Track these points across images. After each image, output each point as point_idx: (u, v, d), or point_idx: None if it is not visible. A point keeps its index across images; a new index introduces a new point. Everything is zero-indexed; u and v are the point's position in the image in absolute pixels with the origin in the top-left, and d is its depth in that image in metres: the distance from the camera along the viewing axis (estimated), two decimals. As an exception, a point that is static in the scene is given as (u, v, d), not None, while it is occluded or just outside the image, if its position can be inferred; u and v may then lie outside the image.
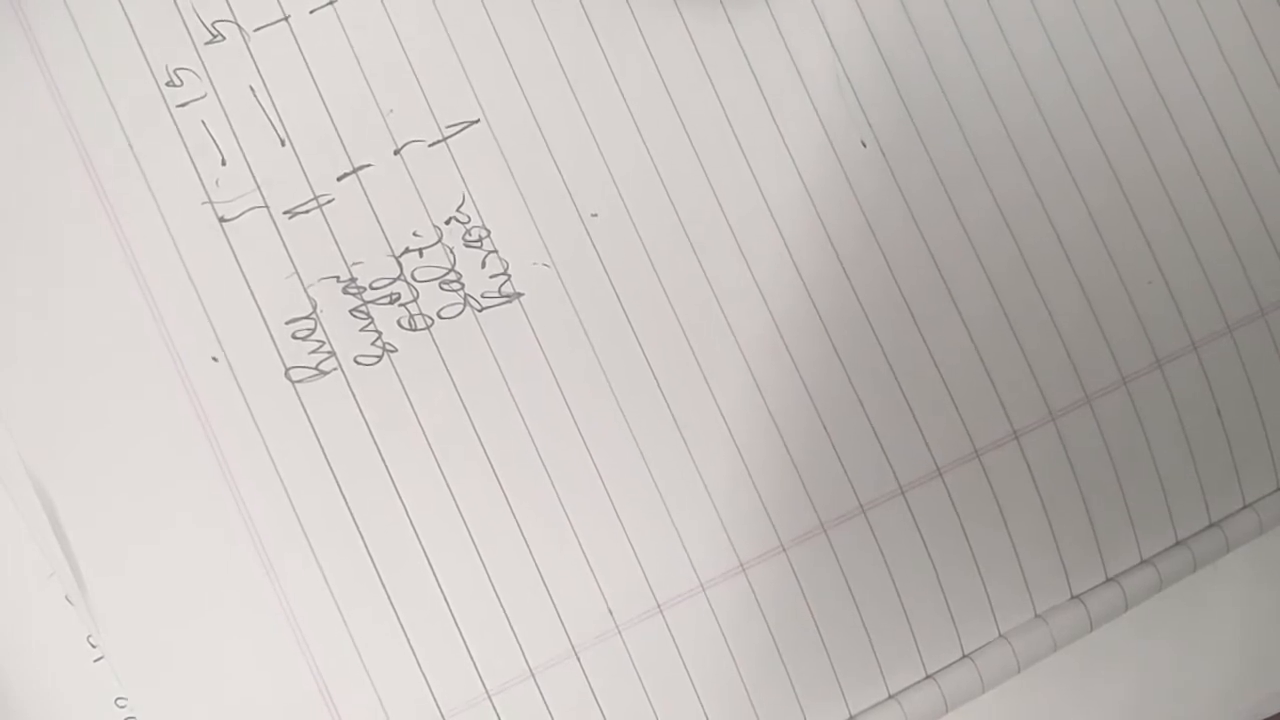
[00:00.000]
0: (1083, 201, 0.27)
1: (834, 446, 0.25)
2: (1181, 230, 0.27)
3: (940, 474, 0.26)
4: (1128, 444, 0.27)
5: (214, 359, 0.23)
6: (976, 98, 0.26)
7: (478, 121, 0.24)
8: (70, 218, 0.22)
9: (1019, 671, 0.26)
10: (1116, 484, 0.27)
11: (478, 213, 0.24)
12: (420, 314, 0.24)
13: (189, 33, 0.23)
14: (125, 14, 0.23)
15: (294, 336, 0.23)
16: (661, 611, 0.24)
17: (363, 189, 0.24)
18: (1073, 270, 0.27)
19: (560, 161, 0.24)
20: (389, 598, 0.23)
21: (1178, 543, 0.27)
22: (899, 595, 0.25)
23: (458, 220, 0.24)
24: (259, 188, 0.23)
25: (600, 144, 0.25)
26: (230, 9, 0.24)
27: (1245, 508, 0.28)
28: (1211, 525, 0.27)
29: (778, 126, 0.25)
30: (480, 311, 0.24)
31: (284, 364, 0.23)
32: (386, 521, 0.23)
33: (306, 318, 0.23)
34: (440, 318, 0.24)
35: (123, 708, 0.23)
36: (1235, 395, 0.27)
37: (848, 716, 0.25)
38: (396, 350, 0.24)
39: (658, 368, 0.25)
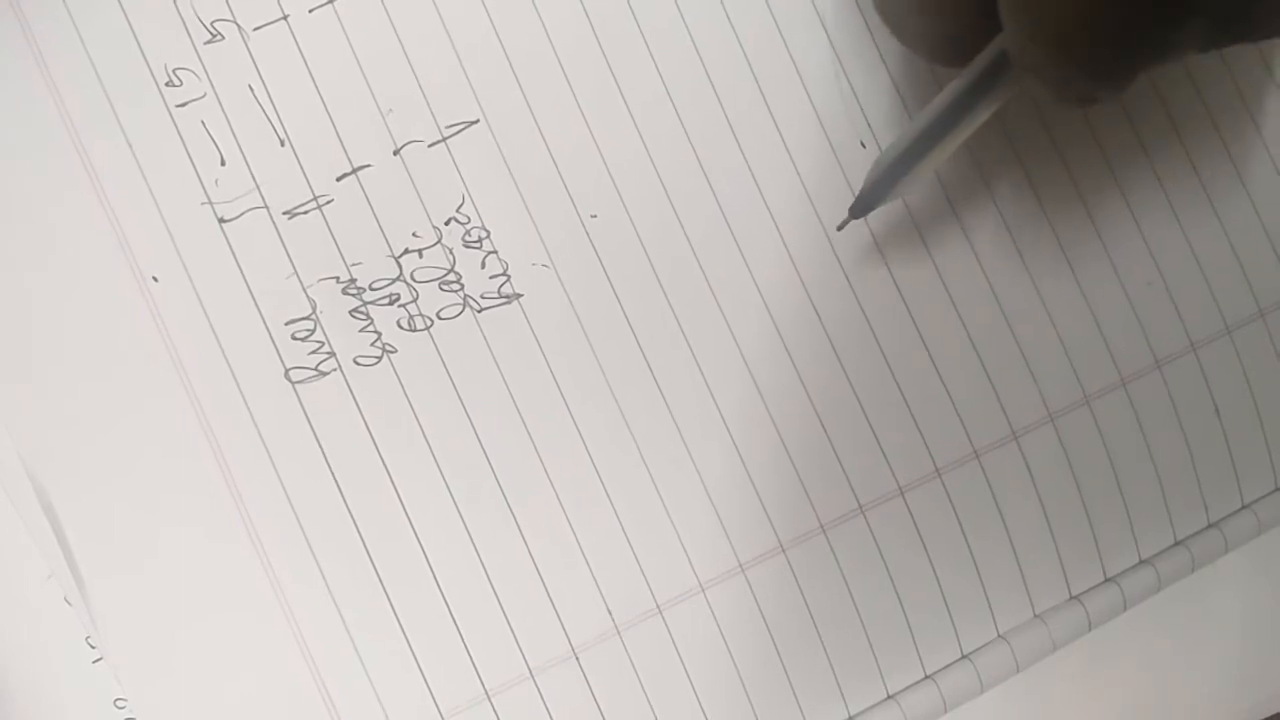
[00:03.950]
0: (1082, 202, 0.27)
1: (833, 447, 0.25)
2: (1181, 231, 0.27)
3: (939, 474, 0.26)
4: (1127, 444, 0.27)
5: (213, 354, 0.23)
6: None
7: (477, 122, 0.24)
8: (69, 218, 0.22)
9: (1018, 672, 0.26)
10: (1115, 484, 0.27)
11: (477, 213, 0.24)
12: (420, 315, 0.24)
13: (188, 32, 0.23)
14: (124, 14, 0.23)
15: (294, 337, 0.23)
16: (661, 612, 0.24)
17: (362, 189, 0.24)
18: (1072, 271, 0.27)
19: (560, 162, 0.24)
20: (388, 598, 0.23)
21: (1176, 543, 0.27)
22: (898, 596, 0.25)
23: (457, 221, 0.24)
24: (258, 188, 0.23)
25: (600, 144, 0.25)
26: (229, 8, 0.23)
27: (1244, 508, 0.28)
28: (1210, 525, 0.27)
29: (777, 127, 0.25)
30: (480, 312, 0.24)
31: (284, 365, 0.23)
32: (386, 522, 0.23)
33: (306, 318, 0.23)
34: (440, 318, 0.24)
35: (122, 708, 0.23)
36: (1234, 396, 0.27)
37: (847, 717, 0.25)
38: (396, 351, 0.23)
39: (657, 368, 0.24)
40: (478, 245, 0.24)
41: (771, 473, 0.25)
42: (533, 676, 0.23)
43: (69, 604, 0.22)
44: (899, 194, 0.24)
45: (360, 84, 0.24)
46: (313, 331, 0.23)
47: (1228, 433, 0.27)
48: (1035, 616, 0.26)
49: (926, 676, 0.26)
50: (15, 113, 0.22)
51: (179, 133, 0.23)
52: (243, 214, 0.23)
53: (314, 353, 0.23)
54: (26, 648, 0.22)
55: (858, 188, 0.26)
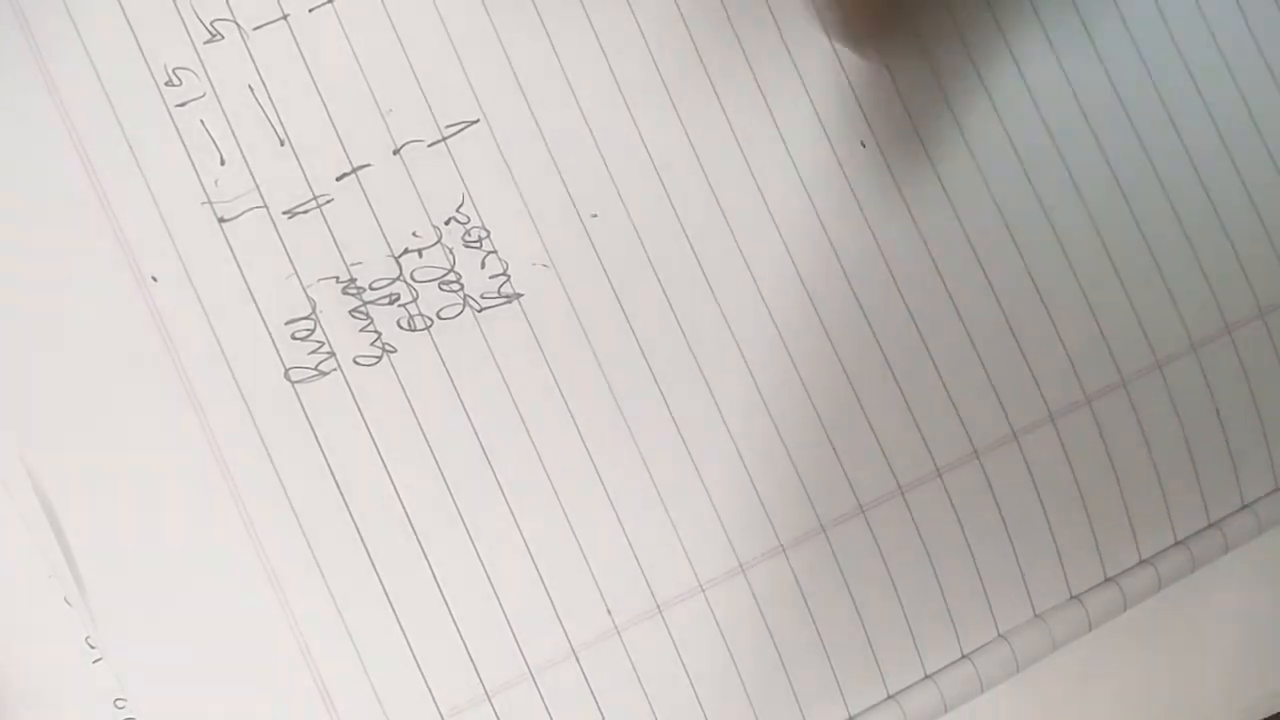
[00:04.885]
0: (1082, 202, 0.27)
1: (833, 447, 0.25)
2: (1181, 231, 0.27)
3: (940, 474, 0.26)
4: (1127, 444, 0.27)
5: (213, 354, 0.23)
6: (976, 98, 0.26)
7: (477, 121, 0.24)
8: (69, 218, 0.22)
9: (1018, 671, 0.26)
10: (1115, 484, 0.27)
11: (477, 213, 0.24)
12: (420, 314, 0.24)
13: (188, 32, 0.23)
14: (124, 13, 0.23)
15: (293, 337, 0.23)
16: (661, 612, 0.24)
17: (362, 189, 0.24)
18: (1072, 271, 0.27)
19: (560, 161, 0.24)
20: (388, 598, 0.23)
21: (1176, 543, 0.27)
22: (898, 595, 0.25)
23: (457, 220, 0.24)
24: (258, 188, 0.23)
25: (600, 144, 0.25)
26: (229, 8, 0.23)
27: (1244, 508, 0.28)
28: (1210, 525, 0.27)
29: (777, 126, 0.25)
30: (480, 312, 0.24)
31: (283, 364, 0.23)
32: (386, 522, 0.23)
33: (306, 318, 0.23)
34: (440, 318, 0.24)
35: (122, 708, 0.23)
36: (1234, 396, 0.27)
37: (847, 716, 0.25)
38: (396, 351, 0.23)
39: (657, 368, 0.24)
40: (478, 245, 0.24)
41: (771, 473, 0.25)
42: (533, 676, 0.23)
43: (69, 604, 0.22)
44: None
45: (360, 84, 0.24)
46: (313, 331, 0.23)
47: (1228, 433, 0.27)
48: (1035, 616, 0.26)
49: (926, 676, 0.26)
50: (15, 113, 0.22)
51: (179, 132, 0.23)
52: (243, 214, 0.23)
53: (314, 353, 0.23)
54: (27, 647, 0.23)
55: (858, 188, 0.26)
